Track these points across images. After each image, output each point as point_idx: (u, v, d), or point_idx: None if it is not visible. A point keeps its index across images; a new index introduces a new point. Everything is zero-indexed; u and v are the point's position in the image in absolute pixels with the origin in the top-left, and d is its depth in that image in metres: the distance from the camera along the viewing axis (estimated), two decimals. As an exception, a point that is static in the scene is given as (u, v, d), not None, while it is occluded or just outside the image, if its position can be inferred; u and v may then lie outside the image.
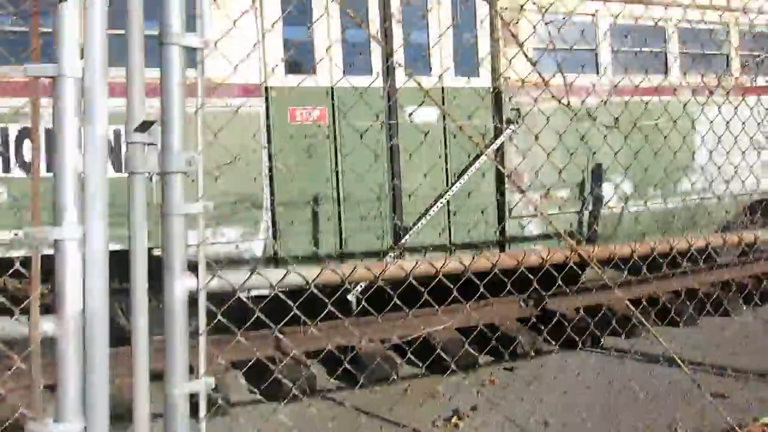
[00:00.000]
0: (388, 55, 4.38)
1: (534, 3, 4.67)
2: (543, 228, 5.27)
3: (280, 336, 3.53)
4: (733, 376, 4.27)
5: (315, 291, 1.86)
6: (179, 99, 1.35)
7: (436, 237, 4.94)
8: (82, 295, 1.28)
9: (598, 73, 5.37)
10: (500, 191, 5.04)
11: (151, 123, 1.32)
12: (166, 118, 1.35)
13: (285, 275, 1.68)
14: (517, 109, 5.02)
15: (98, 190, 1.27)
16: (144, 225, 1.34)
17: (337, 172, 4.62)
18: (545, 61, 5.14)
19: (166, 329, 1.38)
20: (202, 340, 1.41)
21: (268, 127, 4.36)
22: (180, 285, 1.38)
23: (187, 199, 1.41)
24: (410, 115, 4.64)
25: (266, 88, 4.38)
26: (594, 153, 5.27)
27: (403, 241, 4.65)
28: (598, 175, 5.41)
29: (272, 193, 4.43)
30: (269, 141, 4.41)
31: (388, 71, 4.57)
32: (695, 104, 5.61)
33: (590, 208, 5.45)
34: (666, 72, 5.72)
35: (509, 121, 5.00)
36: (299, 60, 4.48)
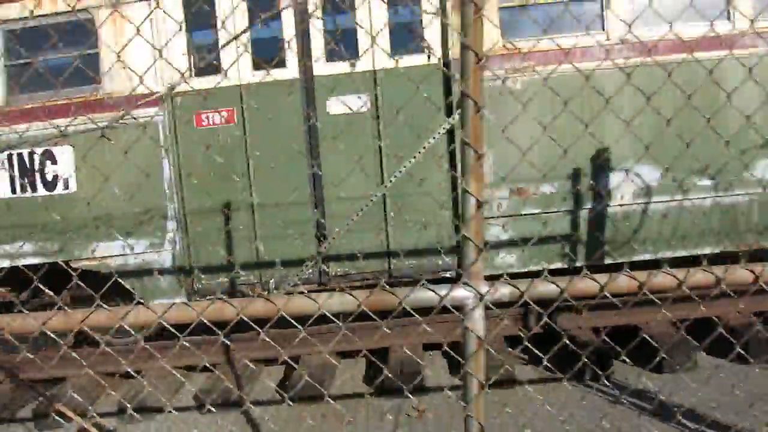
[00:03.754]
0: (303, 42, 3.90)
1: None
2: (518, 232, 4.18)
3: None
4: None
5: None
6: None
7: (372, 242, 4.24)
8: None
9: (604, 28, 4.11)
10: (455, 187, 4.13)
11: None
12: None
13: None
14: None
15: None
16: None
17: (249, 177, 4.25)
18: (521, 22, 4.13)
19: None
20: None
21: (175, 134, 4.21)
22: None
23: None
24: (331, 105, 4.07)
25: (167, 95, 4.23)
26: (598, 134, 4.09)
27: (323, 248, 4.08)
28: (603, 162, 4.13)
29: (182, 203, 4.26)
30: (177, 149, 4.25)
31: (304, 61, 4.08)
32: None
33: (590, 205, 4.17)
34: (729, 16, 4.15)
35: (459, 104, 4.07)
36: (206, 62, 4.22)
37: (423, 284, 1.43)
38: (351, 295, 1.43)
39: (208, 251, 4.24)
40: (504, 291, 1.46)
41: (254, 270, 4.23)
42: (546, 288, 1.47)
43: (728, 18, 4.06)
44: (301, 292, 1.49)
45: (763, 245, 4.20)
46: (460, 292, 1.46)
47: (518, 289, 1.45)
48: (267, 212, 4.22)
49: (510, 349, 4.17)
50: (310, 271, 4.13)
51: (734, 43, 3.98)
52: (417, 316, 1.62)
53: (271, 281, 4.15)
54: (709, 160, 4.04)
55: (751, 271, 1.68)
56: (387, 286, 1.42)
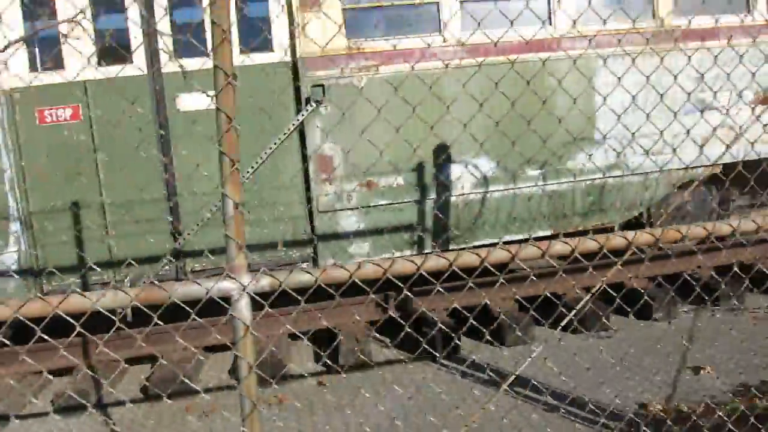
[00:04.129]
0: (149, 38, 3.91)
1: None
2: (369, 223, 4.47)
3: None
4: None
5: None
6: None
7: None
8: None
9: (441, 31, 4.44)
10: (306, 182, 4.33)
11: None
12: None
13: None
14: (321, 85, 4.27)
15: None
16: None
17: (98, 174, 4.22)
18: (365, 23, 4.36)
19: None
20: None
21: (15, 132, 4.09)
22: None
23: None
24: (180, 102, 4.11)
25: (4, 91, 4.10)
26: (440, 129, 4.41)
27: (178, 244, 4.15)
28: (445, 155, 4.49)
29: (27, 203, 4.15)
30: (19, 147, 4.13)
31: (152, 56, 4.08)
32: (591, 59, 4.52)
33: (434, 196, 4.53)
34: (550, 21, 4.60)
35: (308, 100, 4.26)
36: (49, 55, 4.12)
37: (190, 279, 1.58)
38: (123, 291, 1.56)
39: (59, 252, 4.16)
40: (264, 282, 1.65)
41: (108, 269, 4.20)
42: (303, 277, 1.67)
43: (550, 23, 4.52)
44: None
45: (586, 227, 4.73)
46: (225, 285, 1.63)
47: (277, 279, 1.65)
48: (120, 210, 4.19)
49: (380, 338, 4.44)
50: (167, 267, 4.16)
51: (555, 45, 4.44)
52: (189, 309, 1.77)
53: (125, 279, 4.14)
54: (537, 152, 4.48)
55: (568, 244, 2.03)
56: (156, 282, 1.57)
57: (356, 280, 1.78)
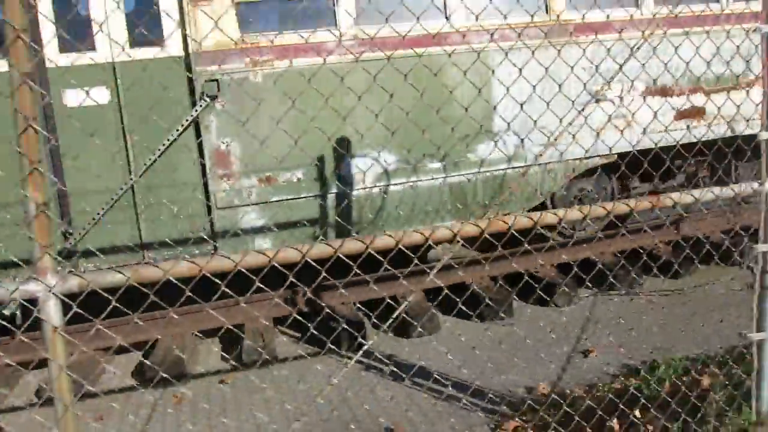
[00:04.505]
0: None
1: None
2: (270, 218, 4.46)
3: None
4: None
5: None
6: None
7: (125, 235, 4.28)
8: None
9: (337, 24, 4.45)
10: (205, 178, 4.28)
11: None
12: None
13: None
14: (215, 80, 4.22)
15: None
16: None
17: None
18: (261, 17, 4.34)
19: None
20: None
21: None
22: None
23: None
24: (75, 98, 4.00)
25: None
26: (341, 123, 4.42)
27: (69, 244, 4.06)
28: (345, 149, 4.52)
29: None
30: None
31: (36, 51, 3.96)
32: (493, 52, 4.62)
33: (336, 190, 4.56)
34: (447, 16, 4.66)
35: (202, 96, 4.21)
36: None
37: (-7, 281, 1.56)
38: None
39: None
40: (72, 282, 1.64)
41: (-4, 272, 4.07)
42: (114, 277, 1.67)
43: (446, 18, 4.59)
44: None
45: (488, 217, 4.84)
46: (31, 287, 1.61)
47: (86, 279, 1.64)
48: (5, 211, 4.05)
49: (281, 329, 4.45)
50: (59, 268, 4.05)
51: (451, 39, 4.52)
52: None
53: (15, 280, 4.02)
54: (440, 145, 4.56)
55: (477, 225, 2.10)
56: (-46, 287, 1.54)
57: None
